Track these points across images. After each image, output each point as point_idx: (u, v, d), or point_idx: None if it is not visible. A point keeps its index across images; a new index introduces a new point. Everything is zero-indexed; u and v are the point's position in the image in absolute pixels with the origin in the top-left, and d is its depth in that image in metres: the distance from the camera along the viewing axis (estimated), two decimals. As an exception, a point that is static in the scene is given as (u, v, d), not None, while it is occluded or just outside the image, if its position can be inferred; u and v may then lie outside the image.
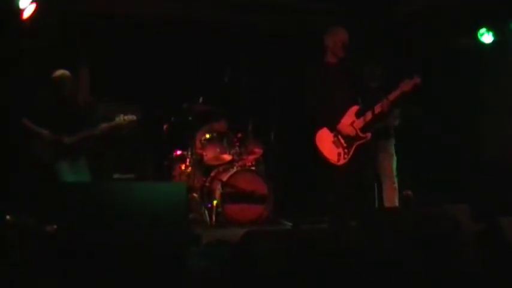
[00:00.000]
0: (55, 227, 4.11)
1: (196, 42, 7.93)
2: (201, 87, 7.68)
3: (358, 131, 5.55)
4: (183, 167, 7.45)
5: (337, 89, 5.61)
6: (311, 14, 8.00)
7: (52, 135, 5.90)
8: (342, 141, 5.57)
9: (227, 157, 7.45)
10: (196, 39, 7.93)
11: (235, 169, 7.24)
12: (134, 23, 7.66)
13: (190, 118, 7.43)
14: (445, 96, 7.77)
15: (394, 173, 6.33)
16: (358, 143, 5.55)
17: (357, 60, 5.70)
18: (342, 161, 5.55)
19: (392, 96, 5.51)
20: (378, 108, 5.51)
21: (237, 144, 7.43)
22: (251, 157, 7.49)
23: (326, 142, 5.61)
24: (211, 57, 7.96)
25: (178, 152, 7.54)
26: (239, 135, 7.48)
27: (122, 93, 7.45)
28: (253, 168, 7.44)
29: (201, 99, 7.42)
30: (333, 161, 5.56)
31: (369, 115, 5.54)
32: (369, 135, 5.55)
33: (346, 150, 5.55)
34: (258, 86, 7.94)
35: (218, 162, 7.48)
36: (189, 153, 7.42)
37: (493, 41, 7.52)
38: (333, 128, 5.60)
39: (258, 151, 7.54)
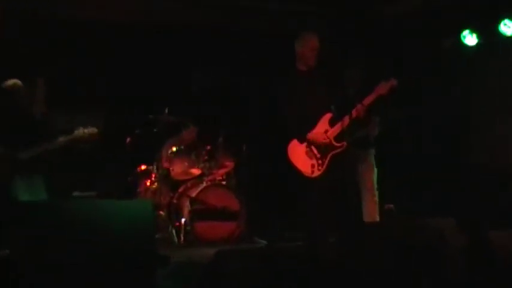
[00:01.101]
0: (7, 251, 4.06)
1: (161, 47, 7.94)
2: (167, 96, 7.72)
3: (333, 140, 5.59)
4: (148, 183, 7.44)
5: (309, 97, 5.68)
6: (289, 15, 8.05)
7: (4, 150, 5.83)
8: (315, 151, 5.61)
9: (196, 171, 7.43)
10: (161, 44, 7.94)
11: (204, 184, 7.22)
12: (95, 27, 7.64)
13: (155, 130, 7.43)
14: (429, 99, 7.87)
15: (375, 185, 6.38)
16: (333, 152, 5.59)
17: (332, 65, 5.77)
18: (316, 173, 5.59)
19: (367, 100, 5.59)
20: (353, 114, 5.56)
21: (207, 157, 7.40)
22: (222, 171, 7.47)
23: (298, 153, 5.66)
24: (177, 64, 7.97)
25: (143, 167, 7.52)
26: (208, 147, 7.44)
27: (82, 104, 7.44)
28: (224, 182, 7.41)
29: (167, 110, 7.40)
30: (306, 174, 5.60)
31: (343, 122, 5.58)
32: (344, 144, 5.58)
33: (320, 162, 5.59)
34: (228, 95, 7.97)
35: (186, 177, 7.45)
36: (155, 167, 7.40)
37: (477, 43, 7.63)
38: (304, 138, 5.63)
39: (229, 164, 7.53)
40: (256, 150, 7.62)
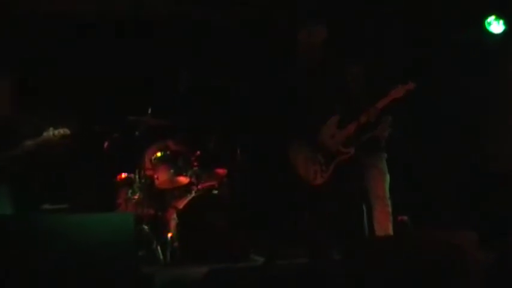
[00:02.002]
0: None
1: (146, 42, 7.95)
2: (151, 95, 7.70)
3: (340, 145, 5.59)
4: (129, 193, 7.40)
5: (313, 96, 5.77)
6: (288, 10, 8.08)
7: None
8: (320, 157, 5.66)
9: (184, 180, 7.39)
10: (146, 39, 7.95)
11: (193, 194, 7.24)
12: (66, 18, 7.65)
13: (137, 133, 7.40)
14: (441, 98, 7.87)
15: (387, 194, 6.32)
16: (339, 159, 5.60)
17: (337, 61, 5.83)
18: (319, 180, 5.66)
19: (381, 104, 5.64)
20: (363, 118, 5.60)
21: (196, 163, 7.39)
22: (213, 179, 7.48)
23: (300, 158, 5.74)
24: (163, 59, 7.99)
25: (124, 175, 7.49)
26: (198, 152, 7.44)
27: (52, 103, 7.43)
28: (216, 192, 7.42)
29: (150, 110, 7.38)
30: (308, 181, 5.61)
31: (352, 126, 5.61)
32: (352, 150, 5.60)
33: (324, 168, 5.68)
34: (221, 93, 7.96)
35: (173, 185, 7.43)
36: (137, 176, 7.38)
37: (504, 31, 7.63)
38: (308, 142, 5.67)
39: (222, 171, 7.53)
40: (253, 155, 7.60)
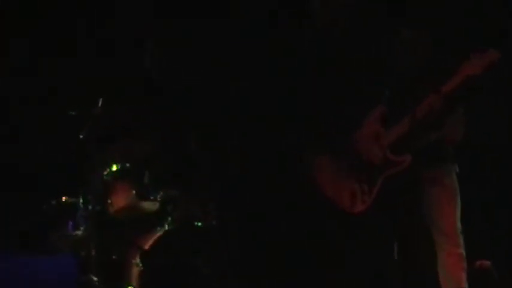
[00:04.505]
0: None
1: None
2: (102, 80, 7.81)
3: (388, 152, 5.45)
4: (69, 226, 7.32)
5: (343, 80, 5.73)
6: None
7: None
8: (360, 171, 5.56)
9: (151, 206, 7.31)
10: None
11: (166, 227, 7.12)
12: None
13: (82, 136, 7.26)
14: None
15: (458, 226, 6.18)
16: (387, 173, 5.56)
17: (376, 25, 5.83)
18: (360, 206, 5.60)
19: (448, 87, 5.53)
20: (420, 111, 5.50)
21: (169, 179, 7.28)
22: (195, 204, 7.32)
23: (329, 174, 5.69)
24: (121, 28, 8.13)
25: (63, 199, 7.42)
26: (172, 162, 7.30)
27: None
28: (198, 224, 7.29)
29: (101, 101, 7.25)
30: (343, 207, 5.57)
31: (405, 123, 5.47)
32: (408, 158, 5.44)
33: (366, 188, 5.58)
34: (206, 79, 7.91)
35: (135, 214, 7.30)
36: (81, 200, 7.29)
37: None
38: (337, 149, 5.60)
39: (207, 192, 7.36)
40: (255, 168, 7.60)
